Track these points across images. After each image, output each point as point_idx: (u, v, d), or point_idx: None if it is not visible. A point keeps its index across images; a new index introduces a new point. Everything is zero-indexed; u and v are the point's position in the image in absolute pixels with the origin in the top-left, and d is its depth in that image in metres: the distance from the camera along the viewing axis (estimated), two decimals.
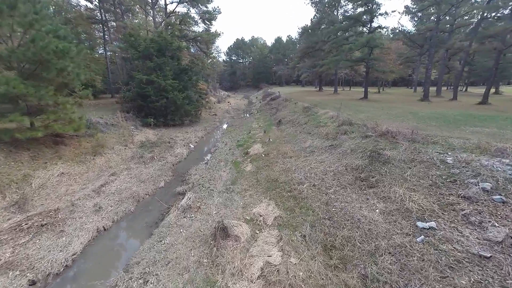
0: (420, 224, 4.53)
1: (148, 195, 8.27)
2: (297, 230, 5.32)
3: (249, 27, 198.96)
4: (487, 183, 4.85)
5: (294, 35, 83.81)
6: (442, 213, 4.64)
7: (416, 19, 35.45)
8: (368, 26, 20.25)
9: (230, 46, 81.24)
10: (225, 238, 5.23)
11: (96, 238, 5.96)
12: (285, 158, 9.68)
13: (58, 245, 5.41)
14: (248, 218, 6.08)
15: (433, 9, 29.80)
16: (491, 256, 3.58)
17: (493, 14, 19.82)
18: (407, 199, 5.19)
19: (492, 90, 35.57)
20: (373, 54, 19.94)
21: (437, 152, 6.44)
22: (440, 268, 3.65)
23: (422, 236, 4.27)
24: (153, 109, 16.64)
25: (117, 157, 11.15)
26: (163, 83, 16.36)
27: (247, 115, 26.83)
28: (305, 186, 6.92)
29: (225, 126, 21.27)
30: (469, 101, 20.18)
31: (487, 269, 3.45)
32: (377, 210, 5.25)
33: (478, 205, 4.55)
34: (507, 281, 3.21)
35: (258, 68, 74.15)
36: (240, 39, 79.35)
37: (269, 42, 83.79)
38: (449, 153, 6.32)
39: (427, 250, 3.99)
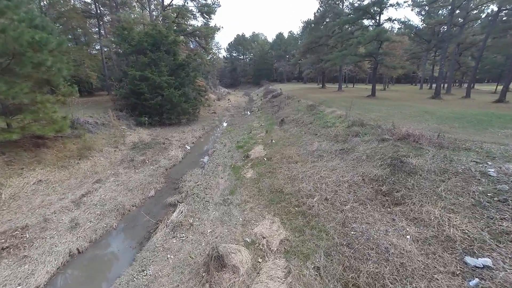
0: (469, 260, 3.52)
1: (135, 206, 7.29)
2: (309, 260, 4.32)
3: (250, 23, 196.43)
4: None
5: (296, 30, 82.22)
6: (497, 245, 3.63)
7: (423, 13, 34.05)
8: (377, 18, 19.00)
9: (231, 42, 79.80)
10: (220, 270, 4.24)
11: (66, 265, 4.99)
12: (290, 163, 8.67)
13: (17, 276, 4.44)
14: (248, 240, 5.09)
15: (441, 3, 28.49)
16: None
17: (508, 6, 18.53)
18: (446, 223, 4.18)
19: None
20: (382, 49, 18.71)
21: (474, 162, 5.41)
22: None
23: (476, 280, 3.26)
24: (147, 107, 15.60)
25: (105, 160, 10.16)
26: (158, 79, 15.29)
27: (248, 113, 25.76)
28: (315, 199, 5.91)
29: (224, 125, 20.24)
30: (483, 99, 19.03)
31: None
32: (408, 237, 4.24)
33: None
34: None
35: (259, 64, 72.74)
36: (241, 35, 77.85)
37: (270, 38, 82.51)
38: (489, 163, 5.28)
39: None
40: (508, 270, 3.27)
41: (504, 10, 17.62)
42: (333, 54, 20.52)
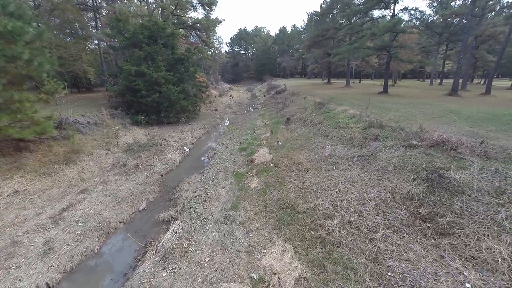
0: None
1: (123, 223, 6.32)
2: None
3: (253, 16, 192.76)
4: None
5: (300, 24, 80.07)
6: None
7: (435, 4, 32.27)
8: (392, 7, 17.55)
9: (233, 36, 77.95)
10: None
11: None
12: (300, 171, 7.62)
13: None
14: (255, 277, 4.09)
15: None
16: None
17: None
18: None
19: None
20: (396, 41, 17.32)
21: None
22: None
23: None
24: (144, 105, 14.56)
25: (94, 165, 9.19)
26: (155, 75, 14.22)
27: (251, 109, 24.65)
28: (335, 222, 4.88)
29: (226, 123, 19.17)
30: (506, 96, 17.65)
31: None
32: (468, 285, 3.20)
33: None
34: None
35: (261, 59, 71.07)
36: (243, 29, 75.89)
37: (273, 32, 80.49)
38: None
39: None
40: None
41: None
42: (342, 47, 19.11)
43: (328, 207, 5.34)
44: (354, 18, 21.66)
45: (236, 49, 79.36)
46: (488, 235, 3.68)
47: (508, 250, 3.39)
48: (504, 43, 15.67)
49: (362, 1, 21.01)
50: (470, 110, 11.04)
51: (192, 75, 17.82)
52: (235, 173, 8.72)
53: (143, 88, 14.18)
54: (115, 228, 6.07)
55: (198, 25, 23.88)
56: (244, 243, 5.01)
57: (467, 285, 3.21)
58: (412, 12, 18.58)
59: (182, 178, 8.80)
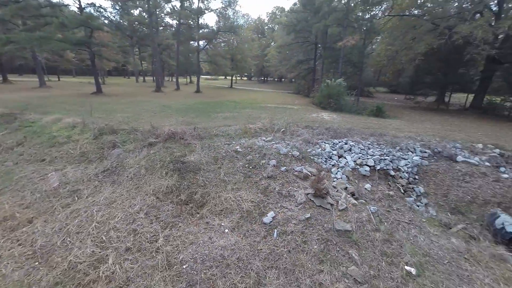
0: (265, 219, 4.64)
1: None
2: None
3: None
4: (272, 160, 6.21)
5: None
6: (268, 199, 5.15)
7: (117, 7, 34.56)
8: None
9: None
10: None
11: None
12: (13, 229, 4.74)
13: None
14: None
15: (132, 2, 30.86)
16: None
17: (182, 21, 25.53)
18: (241, 201, 5.04)
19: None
20: (95, 38, 15.89)
21: (226, 144, 7.00)
22: None
23: (275, 231, 4.41)
24: None
25: None
26: None
27: None
28: (111, 261, 3.91)
29: None
30: (187, 90, 25.41)
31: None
32: (226, 230, 4.49)
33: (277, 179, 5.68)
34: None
35: None
36: None
37: None
38: (234, 142, 7.16)
39: None
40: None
41: (184, 23, 23.87)
42: (17, 33, 13.16)
43: (94, 251, 4.09)
44: None
45: None
46: (222, 190, 5.33)
47: (233, 194, 5.23)
48: (177, 52, 21.99)
49: None
50: (176, 104, 14.39)
51: None
52: None
53: None
54: None
55: None
56: None
57: (226, 230, 4.49)
58: (101, 10, 18.05)
59: None
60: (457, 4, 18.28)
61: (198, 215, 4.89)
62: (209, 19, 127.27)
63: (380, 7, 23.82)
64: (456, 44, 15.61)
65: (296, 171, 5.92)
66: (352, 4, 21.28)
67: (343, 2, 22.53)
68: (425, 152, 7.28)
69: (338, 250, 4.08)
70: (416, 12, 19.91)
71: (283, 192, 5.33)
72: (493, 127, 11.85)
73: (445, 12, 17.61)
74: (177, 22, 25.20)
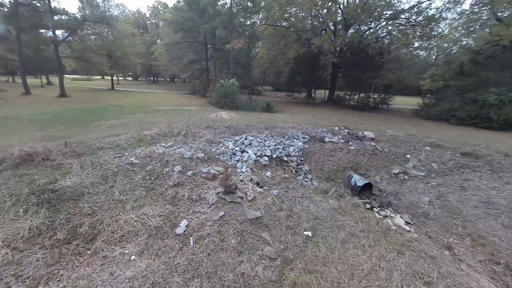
0: (178, 230, 4.35)
1: None
2: None
3: None
4: (177, 166, 5.83)
5: None
6: (176, 204, 4.84)
7: None
8: None
9: None
10: None
11: None
12: None
13: None
14: None
15: None
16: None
17: None
18: (149, 218, 4.45)
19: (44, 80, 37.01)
20: None
21: (117, 157, 5.91)
22: None
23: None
24: None
25: None
26: None
27: None
28: None
29: None
30: (46, 94, 19.11)
31: None
32: (133, 257, 3.85)
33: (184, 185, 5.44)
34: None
35: None
36: None
37: None
38: (126, 154, 6.15)
39: None
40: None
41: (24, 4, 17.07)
42: None
43: None
44: None
45: None
46: (122, 212, 4.49)
47: (136, 214, 4.52)
48: (18, 43, 15.77)
49: None
50: (28, 114, 10.50)
51: None
52: None
53: None
54: None
55: None
56: None
57: (132, 257, 3.85)
58: None
59: None
60: (310, 21, 23.75)
61: (89, 252, 3.89)
62: (69, 4, 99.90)
63: (258, 15, 27.16)
64: (314, 52, 20.39)
65: (204, 172, 5.86)
66: (235, 10, 23.03)
67: (226, 7, 23.94)
68: (305, 137, 9.13)
69: (253, 237, 4.44)
70: (284, 24, 24.18)
71: (193, 197, 5.15)
72: (342, 114, 16.48)
73: (304, 26, 22.49)
74: (12, 0, 18.12)
